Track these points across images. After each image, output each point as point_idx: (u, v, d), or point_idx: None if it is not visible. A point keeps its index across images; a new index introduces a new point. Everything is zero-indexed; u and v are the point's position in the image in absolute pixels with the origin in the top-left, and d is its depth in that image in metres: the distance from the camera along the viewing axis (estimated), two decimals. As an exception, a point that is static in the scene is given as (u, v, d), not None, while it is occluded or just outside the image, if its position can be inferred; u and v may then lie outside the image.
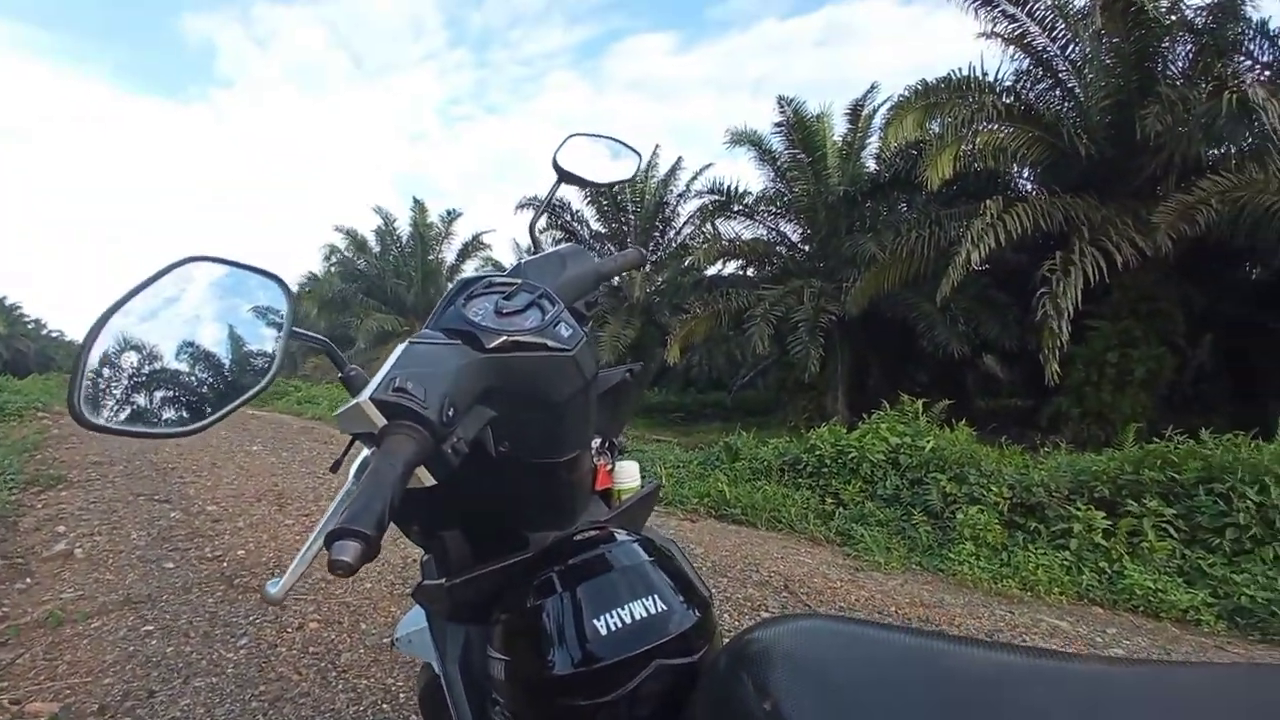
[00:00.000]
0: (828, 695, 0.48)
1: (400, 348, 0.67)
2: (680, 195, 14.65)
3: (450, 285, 0.82)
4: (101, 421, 0.60)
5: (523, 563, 0.80)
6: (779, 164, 11.83)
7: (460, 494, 0.64)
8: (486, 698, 0.78)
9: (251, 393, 0.69)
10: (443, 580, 0.81)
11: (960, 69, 8.45)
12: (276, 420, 10.16)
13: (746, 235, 12.60)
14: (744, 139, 11.86)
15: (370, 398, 0.60)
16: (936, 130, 8.67)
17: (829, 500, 4.37)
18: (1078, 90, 8.59)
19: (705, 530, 4.05)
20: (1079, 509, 3.46)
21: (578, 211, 14.97)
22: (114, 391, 0.63)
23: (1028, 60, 8.69)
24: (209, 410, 0.67)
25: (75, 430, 8.83)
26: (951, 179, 8.37)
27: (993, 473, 3.96)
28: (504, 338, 0.71)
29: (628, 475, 1.01)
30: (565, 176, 1.11)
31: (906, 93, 8.80)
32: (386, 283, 18.46)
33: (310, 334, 0.72)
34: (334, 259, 20.13)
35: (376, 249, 19.90)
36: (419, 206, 19.28)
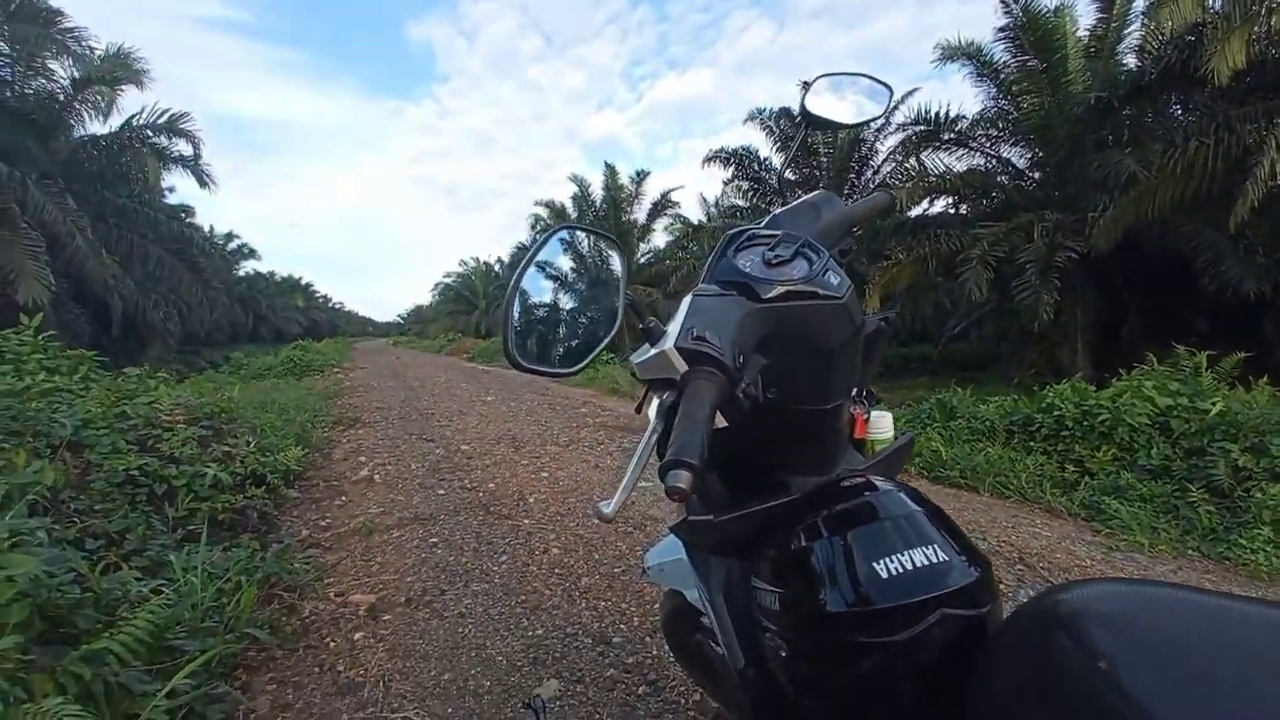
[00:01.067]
0: (1165, 658, 0.45)
1: (687, 300, 0.74)
2: (879, 130, 13.32)
3: (719, 239, 0.87)
4: (525, 363, 0.78)
5: (788, 504, 0.85)
6: (1003, 78, 10.12)
7: (728, 438, 0.69)
8: (753, 624, 0.85)
9: (606, 339, 0.84)
10: (711, 516, 0.90)
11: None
12: (503, 375, 11.62)
13: (959, 167, 11.09)
14: (958, 53, 10.31)
15: (675, 346, 0.67)
16: (1221, 8, 6.71)
17: (1070, 468, 3.81)
18: None
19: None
20: None
21: (765, 159, 14.41)
22: (525, 341, 0.81)
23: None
24: (581, 354, 0.83)
25: (361, 382, 11.03)
26: (1244, 69, 6.46)
27: (1310, 444, 3.14)
28: (779, 288, 0.74)
29: (882, 426, 1.01)
30: (813, 121, 1.09)
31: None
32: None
33: (627, 293, 0.84)
34: (539, 228, 22.03)
35: (574, 215, 21.31)
36: (610, 170, 20.13)
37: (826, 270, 0.75)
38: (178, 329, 17.72)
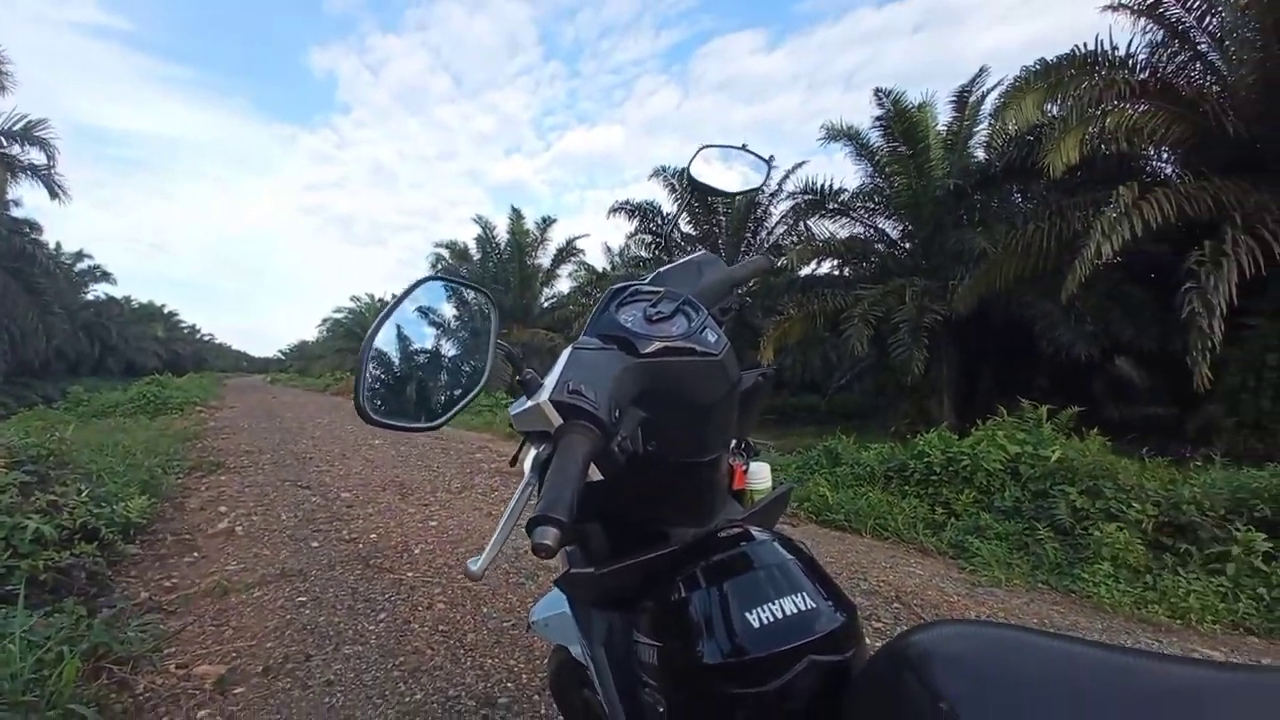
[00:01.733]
0: (1003, 699, 0.48)
1: (566, 353, 0.74)
2: (772, 195, 14.39)
3: (602, 294, 0.88)
4: (377, 418, 0.73)
5: (668, 556, 0.85)
6: (877, 159, 11.36)
7: (607, 491, 0.69)
8: (633, 679, 0.83)
9: (473, 394, 0.80)
10: (592, 569, 0.88)
11: (1084, 44, 7.75)
12: (391, 417, 10.97)
13: (842, 234, 12.20)
14: (840, 134, 11.50)
15: (549, 399, 0.66)
16: (1057, 113, 7.99)
17: (939, 510, 4.15)
18: (1220, 64, 7.65)
19: (807, 536, 3.97)
20: (1237, 529, 3.09)
21: (668, 214, 15.04)
22: (380, 394, 0.76)
23: (1162, 32, 7.83)
24: (444, 408, 0.79)
25: (229, 422, 10.00)
26: (1076, 165, 7.67)
27: (1133, 487, 3.61)
28: (657, 343, 0.76)
29: (761, 477, 1.04)
30: (698, 187, 1.16)
31: (1024, 73, 8.20)
32: (487, 288, 19.41)
33: (502, 344, 0.82)
34: (440, 267, 21.45)
35: (477, 256, 20.96)
36: (516, 215, 20.11)
37: (705, 328, 0.78)
38: (7, 357, 15.32)
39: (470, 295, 0.91)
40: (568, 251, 19.94)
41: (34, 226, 19.76)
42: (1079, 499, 3.63)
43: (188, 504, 4.47)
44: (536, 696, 1.99)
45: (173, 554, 3.42)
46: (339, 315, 34.49)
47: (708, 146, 1.17)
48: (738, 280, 1.09)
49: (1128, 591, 3.01)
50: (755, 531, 0.82)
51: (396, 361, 0.80)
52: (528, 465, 0.70)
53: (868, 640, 0.75)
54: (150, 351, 37.85)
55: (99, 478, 4.16)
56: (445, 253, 21.58)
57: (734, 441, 0.99)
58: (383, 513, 4.21)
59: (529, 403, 0.69)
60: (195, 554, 3.43)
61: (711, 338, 0.79)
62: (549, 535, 0.54)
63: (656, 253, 15.54)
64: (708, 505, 0.89)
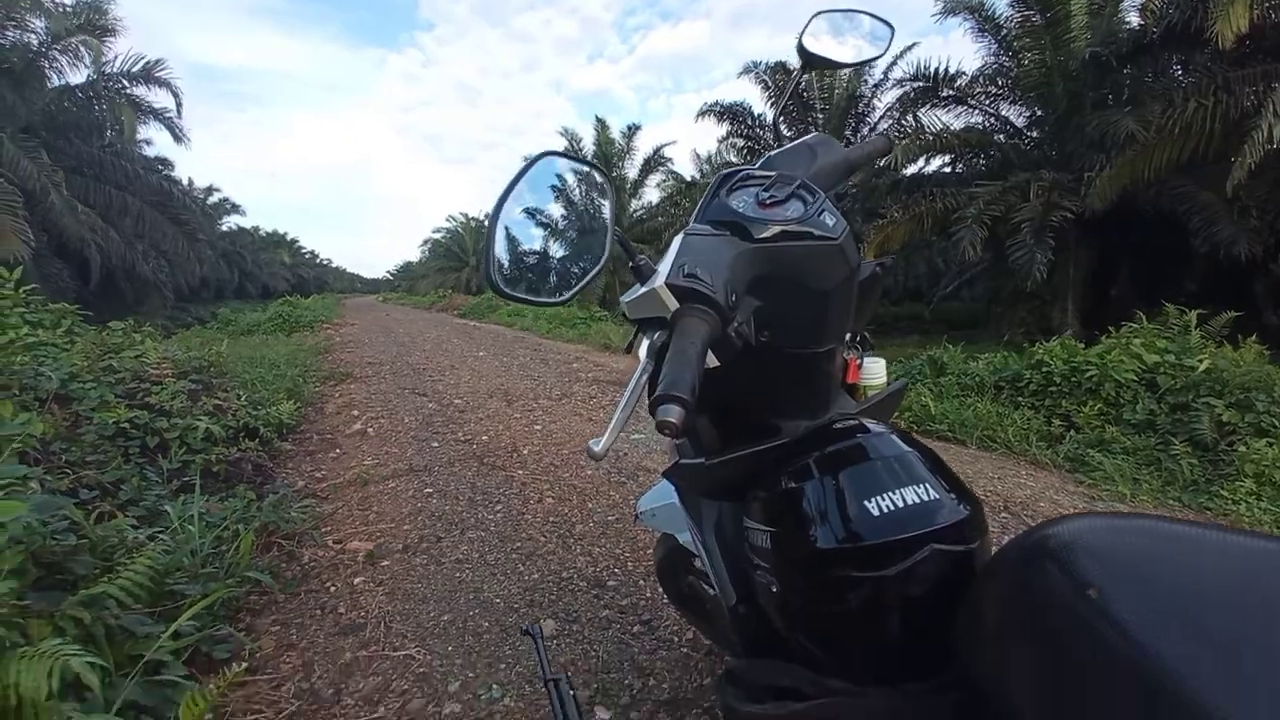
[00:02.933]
0: (1151, 588, 0.46)
1: (678, 239, 0.73)
2: (876, 85, 13.05)
3: (711, 178, 0.85)
4: (507, 290, 0.76)
5: (782, 447, 0.85)
6: (1004, 33, 9.90)
7: (719, 382, 0.69)
8: (746, 564, 0.86)
9: (595, 271, 0.81)
10: (702, 460, 0.90)
11: None
12: (494, 331, 11.57)
13: (957, 125, 10.92)
14: (960, 6, 10.05)
15: (666, 283, 0.66)
16: None
17: (1056, 422, 3.88)
18: None
19: (906, 446, 3.87)
20: None
21: (760, 115, 14.10)
22: (507, 268, 0.79)
23: None
24: (569, 283, 0.81)
25: (352, 338, 10.95)
26: (1247, 33, 6.33)
27: (1293, 400, 3.20)
28: (773, 228, 0.73)
29: (875, 372, 1.01)
30: (810, 60, 1.06)
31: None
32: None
33: (616, 229, 0.82)
34: (526, 183, 21.58)
35: (563, 171, 20.82)
36: (601, 124, 19.64)
37: (822, 211, 0.74)
38: (170, 282, 17.44)
39: (587, 172, 0.91)
40: (655, 160, 19.37)
41: (166, 164, 21.70)
42: (1226, 412, 3.27)
43: (326, 408, 5.02)
44: (642, 581, 2.15)
45: (319, 450, 3.89)
46: (438, 236, 35.98)
47: (821, 13, 1.06)
48: (855, 163, 1.01)
49: (1270, 510, 2.73)
50: (870, 424, 0.81)
51: (520, 237, 0.82)
52: (643, 352, 0.71)
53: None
54: (280, 276, 41.56)
55: (252, 386, 4.73)
56: (532, 168, 21.63)
57: (849, 335, 0.95)
58: (491, 418, 4.53)
59: (643, 289, 0.69)
60: (337, 450, 3.88)
61: (829, 221, 0.75)
62: (672, 413, 0.55)
63: (749, 158, 14.74)
64: (821, 398, 0.88)
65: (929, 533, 0.66)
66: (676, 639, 1.81)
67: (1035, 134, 10.53)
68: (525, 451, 3.70)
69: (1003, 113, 10.75)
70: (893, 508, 0.68)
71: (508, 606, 2.03)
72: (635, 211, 20.11)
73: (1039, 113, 10.20)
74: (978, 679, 0.60)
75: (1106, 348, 4.08)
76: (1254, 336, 4.00)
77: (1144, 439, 3.45)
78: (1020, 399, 4.19)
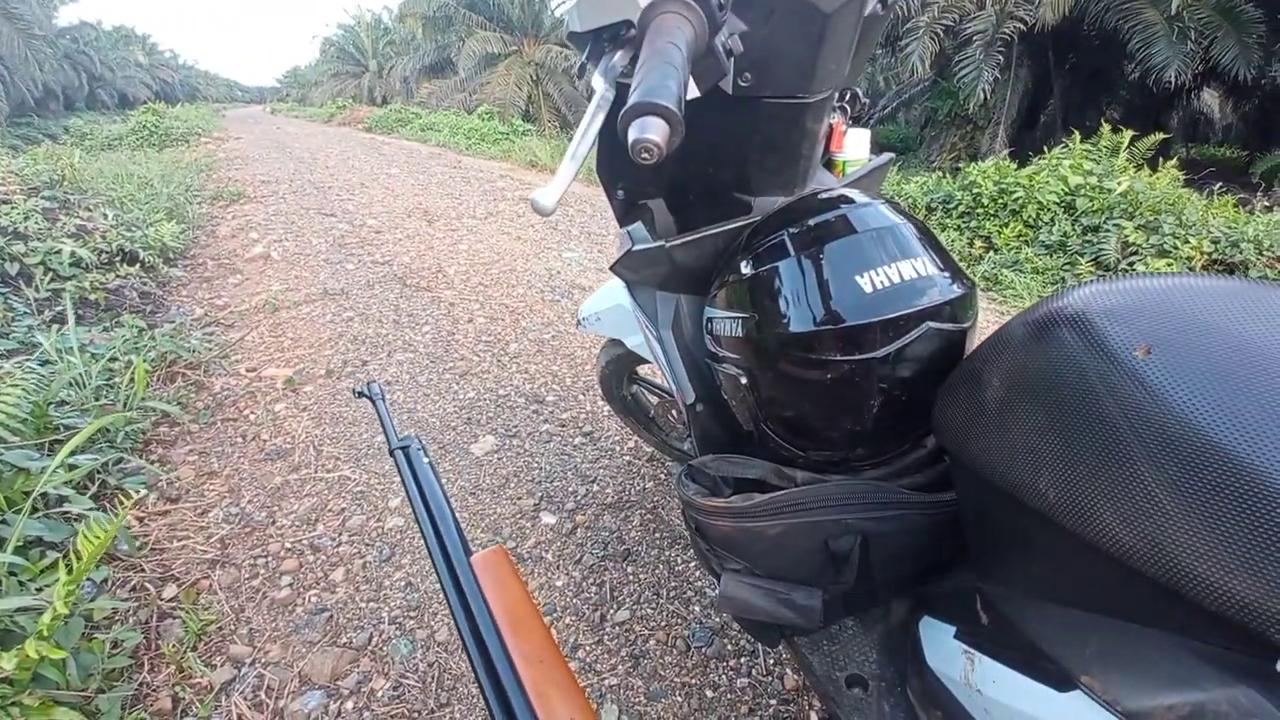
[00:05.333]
0: (1201, 342, 0.41)
1: None
2: None
3: None
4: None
5: (755, 225, 0.75)
6: None
7: (681, 148, 0.57)
8: (707, 358, 0.80)
9: None
10: (662, 242, 0.79)
11: None
12: (407, 147, 10.43)
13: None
14: None
15: None
16: None
17: (979, 244, 4.01)
18: None
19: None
20: (1292, 268, 2.97)
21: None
22: None
23: None
24: None
25: (238, 154, 9.63)
26: None
27: (1194, 224, 3.39)
28: None
29: (857, 145, 0.89)
30: None
31: None
32: (494, -5, 16.62)
33: None
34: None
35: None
36: None
37: None
38: (7, 93, 14.34)
39: None
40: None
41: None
42: (1134, 234, 3.45)
43: (218, 231, 4.48)
44: (582, 396, 2.16)
45: (216, 276, 3.52)
46: (330, 33, 30.55)
47: None
48: None
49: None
50: (855, 194, 0.71)
51: None
52: (597, 79, 0.55)
53: None
54: (138, 81, 35.05)
55: (122, 205, 4.11)
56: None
57: (838, 92, 0.82)
58: (411, 238, 4.20)
59: None
60: (238, 276, 3.52)
61: None
62: (653, 127, 0.41)
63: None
64: (801, 168, 0.76)
65: (926, 310, 0.61)
66: (619, 448, 1.86)
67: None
68: (451, 272, 3.48)
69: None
70: (887, 284, 0.61)
71: (444, 424, 2.01)
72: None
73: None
74: (959, 457, 0.58)
75: (1037, 169, 4.12)
76: (1173, 161, 4.12)
77: (1054, 259, 3.64)
78: (948, 220, 4.26)
